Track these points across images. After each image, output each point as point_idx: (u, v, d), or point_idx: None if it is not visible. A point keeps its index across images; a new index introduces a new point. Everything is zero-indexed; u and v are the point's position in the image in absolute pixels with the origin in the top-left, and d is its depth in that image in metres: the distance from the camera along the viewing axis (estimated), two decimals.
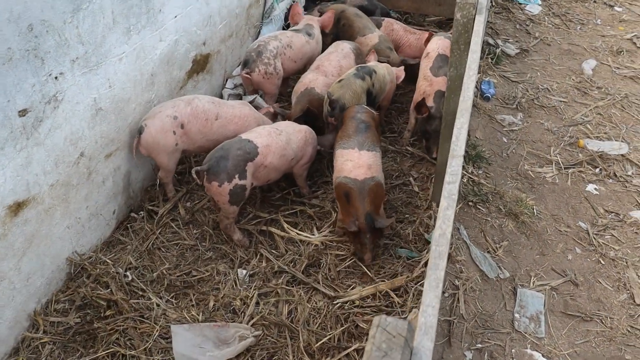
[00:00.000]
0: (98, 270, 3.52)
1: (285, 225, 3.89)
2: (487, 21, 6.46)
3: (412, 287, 3.43)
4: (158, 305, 3.40)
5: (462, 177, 4.34)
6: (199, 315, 3.35)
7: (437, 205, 3.22)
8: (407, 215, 4.01)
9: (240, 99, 4.92)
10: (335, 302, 3.39)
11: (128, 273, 3.56)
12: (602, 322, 3.45)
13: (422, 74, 4.44)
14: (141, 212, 4.01)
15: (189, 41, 4.34)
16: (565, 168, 4.60)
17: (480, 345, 3.26)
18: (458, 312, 3.41)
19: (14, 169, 2.93)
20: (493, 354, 3.23)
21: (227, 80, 5.11)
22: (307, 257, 3.66)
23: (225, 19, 4.85)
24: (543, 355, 3.24)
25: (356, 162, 3.63)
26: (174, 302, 3.45)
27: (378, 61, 4.87)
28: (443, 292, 3.44)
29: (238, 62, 5.26)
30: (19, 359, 3.15)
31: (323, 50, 5.06)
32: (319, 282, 3.53)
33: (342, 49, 4.84)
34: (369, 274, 3.58)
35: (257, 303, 3.42)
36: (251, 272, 3.61)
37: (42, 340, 3.22)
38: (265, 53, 4.62)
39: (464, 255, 3.74)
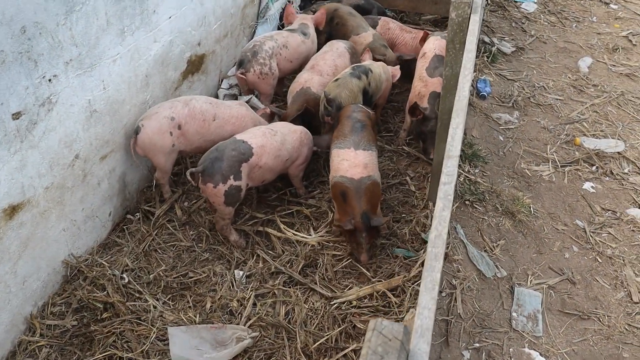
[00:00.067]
0: (94, 272, 3.51)
1: (282, 226, 3.88)
2: (483, 19, 6.46)
3: (409, 287, 3.43)
4: (155, 307, 3.39)
5: (459, 176, 4.33)
6: (196, 316, 3.34)
7: (434, 205, 3.22)
8: (403, 215, 4.01)
9: (236, 99, 4.91)
10: (332, 303, 3.38)
11: (124, 275, 3.55)
12: (600, 321, 3.44)
13: (418, 74, 4.43)
14: (137, 214, 4.00)
15: (184, 42, 4.32)
16: (561, 166, 4.59)
17: (477, 345, 3.26)
18: (455, 312, 3.40)
19: (8, 172, 2.92)
20: (491, 354, 3.22)
21: (222, 81, 5.09)
22: (304, 258, 3.66)
23: (220, 19, 4.83)
24: (541, 354, 3.23)
25: (352, 161, 3.62)
26: (171, 304, 3.44)
27: (373, 60, 4.86)
28: (440, 292, 3.44)
29: (233, 62, 5.25)
30: None
31: (318, 49, 5.05)
32: (316, 283, 3.52)
33: (336, 48, 4.83)
34: (367, 274, 3.57)
35: (254, 304, 3.42)
36: (248, 273, 3.60)
37: (38, 344, 3.20)
38: (261, 53, 4.61)
39: (461, 254, 3.73)
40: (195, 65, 4.58)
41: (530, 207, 4.17)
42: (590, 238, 3.97)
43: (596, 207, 4.24)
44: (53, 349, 3.20)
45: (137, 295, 3.45)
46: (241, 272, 3.60)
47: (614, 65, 5.97)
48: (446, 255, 3.69)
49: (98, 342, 3.22)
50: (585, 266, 3.78)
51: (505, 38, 6.38)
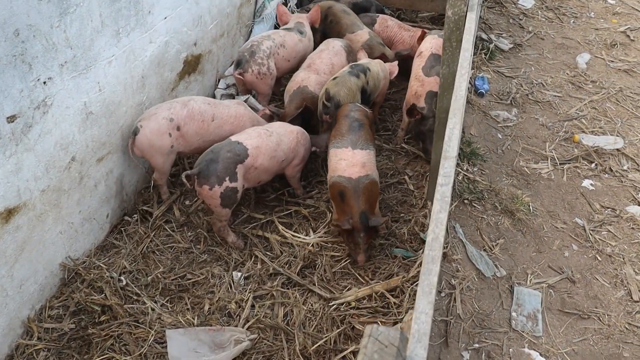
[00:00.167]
0: (92, 275, 3.49)
1: (280, 227, 3.87)
2: (480, 16, 6.43)
3: (408, 287, 3.41)
4: (153, 309, 3.38)
5: (457, 175, 4.32)
6: (194, 319, 3.32)
7: (433, 204, 3.19)
8: (402, 215, 3.99)
9: (233, 99, 4.89)
10: (331, 304, 3.37)
11: (122, 277, 3.54)
12: (600, 320, 3.43)
13: (414, 73, 4.41)
14: (135, 215, 3.98)
15: (180, 42, 4.30)
16: (560, 164, 4.57)
17: (477, 345, 3.24)
18: (455, 312, 3.39)
19: (3, 176, 2.90)
20: (490, 354, 3.21)
21: (219, 81, 5.07)
22: (302, 259, 3.64)
23: (216, 19, 4.81)
24: (541, 354, 3.22)
25: (350, 160, 3.61)
26: (169, 306, 3.43)
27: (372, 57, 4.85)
28: (439, 292, 3.43)
29: (230, 62, 5.23)
30: None
31: (314, 48, 5.03)
32: (314, 284, 3.50)
33: (333, 47, 4.81)
34: (365, 278, 3.55)
35: (253, 306, 3.40)
36: (246, 275, 3.59)
37: (36, 347, 3.19)
38: (259, 53, 4.58)
39: (460, 254, 3.72)
40: (191, 65, 4.56)
41: (529, 206, 4.15)
42: (590, 236, 3.95)
43: (595, 204, 4.22)
44: (51, 352, 3.18)
45: (135, 297, 3.44)
46: (239, 274, 3.58)
47: (612, 61, 5.95)
48: (445, 255, 3.67)
49: (96, 345, 3.21)
50: (585, 265, 3.77)
51: (503, 35, 6.35)
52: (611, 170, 4.52)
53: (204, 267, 3.64)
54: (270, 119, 4.40)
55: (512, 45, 6.14)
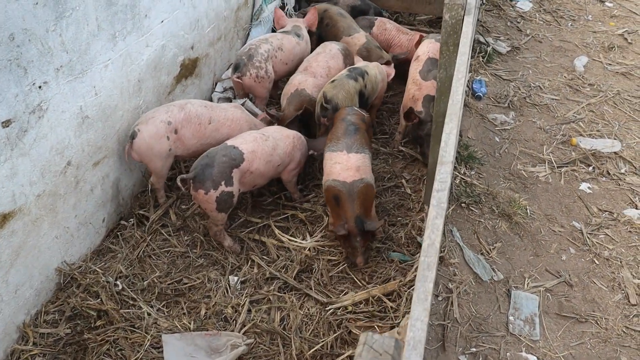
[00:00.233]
0: (88, 279, 3.48)
1: (277, 232, 3.85)
2: (478, 19, 6.43)
3: (405, 291, 3.40)
4: (149, 314, 3.36)
5: (455, 178, 4.31)
6: (190, 323, 3.31)
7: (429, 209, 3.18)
8: (399, 218, 3.98)
9: (230, 102, 4.88)
10: (327, 309, 3.36)
11: (118, 282, 3.52)
12: (597, 323, 3.42)
13: (411, 77, 4.40)
14: (131, 220, 3.97)
15: (177, 45, 4.29)
16: (558, 167, 4.57)
17: (474, 349, 3.23)
18: (452, 316, 3.38)
19: None
20: (488, 358, 3.20)
21: (216, 84, 5.07)
22: (299, 263, 3.63)
23: (213, 22, 4.81)
24: (538, 358, 3.21)
25: (345, 164, 3.60)
26: (165, 311, 3.41)
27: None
28: (437, 296, 3.42)
29: (227, 66, 5.22)
30: None
31: (311, 51, 5.03)
32: (311, 288, 3.49)
33: (330, 50, 4.81)
34: (362, 282, 3.54)
35: (249, 310, 3.39)
36: (242, 279, 3.58)
37: (32, 352, 3.17)
38: (257, 56, 4.58)
39: (457, 257, 3.71)
40: (188, 69, 4.56)
41: (526, 209, 4.14)
42: (587, 240, 3.95)
43: (593, 208, 4.22)
44: (46, 357, 3.17)
45: (131, 302, 3.43)
46: (236, 278, 3.57)
47: (609, 64, 5.95)
48: (442, 259, 3.66)
49: (92, 351, 3.19)
50: (583, 268, 3.76)
51: (501, 38, 6.35)
52: (608, 174, 4.52)
53: (200, 272, 3.63)
54: (270, 123, 4.39)
55: (509, 48, 6.14)
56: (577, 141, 4.83)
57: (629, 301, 3.55)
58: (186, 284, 3.55)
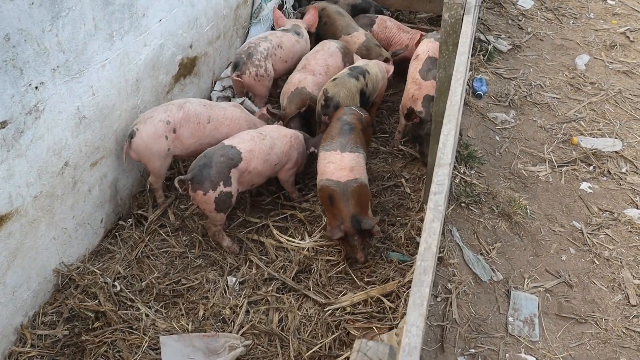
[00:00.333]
0: (86, 280, 3.47)
1: (275, 232, 3.84)
2: (479, 17, 6.40)
3: (404, 292, 3.38)
4: (147, 315, 3.35)
5: (455, 178, 4.29)
6: (188, 324, 3.30)
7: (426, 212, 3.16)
8: (398, 218, 3.96)
9: (229, 101, 4.87)
10: (326, 310, 3.34)
11: (116, 283, 3.51)
12: (597, 324, 3.40)
13: (411, 76, 4.37)
14: (129, 220, 3.95)
15: (175, 44, 4.27)
16: (558, 166, 4.55)
17: (473, 351, 3.22)
18: (451, 317, 3.36)
19: None
20: (487, 359, 3.18)
21: (215, 83, 5.05)
22: (298, 263, 3.62)
23: (212, 21, 4.78)
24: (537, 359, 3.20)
25: (338, 164, 3.58)
26: (163, 312, 3.40)
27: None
28: (436, 296, 3.40)
29: (226, 64, 5.20)
30: None
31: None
32: (309, 289, 3.48)
33: (328, 48, 4.79)
34: (360, 282, 3.53)
35: (247, 311, 3.37)
36: (241, 280, 3.56)
37: (29, 354, 3.16)
38: (256, 55, 4.56)
39: (456, 258, 3.69)
40: (187, 68, 4.54)
41: (526, 209, 4.12)
42: (588, 240, 3.92)
43: (593, 207, 4.19)
44: (44, 359, 3.16)
45: (129, 303, 3.41)
46: (234, 279, 3.56)
47: (611, 63, 5.92)
48: (441, 259, 3.65)
49: (89, 352, 3.18)
50: (583, 268, 3.74)
51: (502, 36, 6.32)
52: (609, 173, 4.50)
53: (198, 272, 3.61)
54: (268, 120, 4.37)
55: (510, 47, 6.10)
56: (577, 140, 4.80)
57: (629, 302, 3.53)
58: (184, 284, 3.54)
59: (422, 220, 3.91)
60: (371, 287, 3.46)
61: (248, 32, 5.53)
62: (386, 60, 4.90)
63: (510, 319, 3.40)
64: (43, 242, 3.31)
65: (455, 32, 3.21)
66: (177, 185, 3.46)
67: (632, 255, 3.82)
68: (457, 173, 4.33)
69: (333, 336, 3.20)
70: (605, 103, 5.31)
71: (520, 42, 6.22)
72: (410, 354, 1.48)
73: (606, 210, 4.18)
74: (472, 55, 5.79)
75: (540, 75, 5.70)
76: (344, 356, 3.10)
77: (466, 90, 5.22)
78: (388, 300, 3.38)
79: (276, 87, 5.10)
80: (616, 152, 4.70)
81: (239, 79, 4.55)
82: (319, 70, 4.61)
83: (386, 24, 5.61)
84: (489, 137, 4.83)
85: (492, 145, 4.75)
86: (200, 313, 3.37)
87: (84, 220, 3.64)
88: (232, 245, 3.74)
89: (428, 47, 4.49)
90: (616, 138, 4.85)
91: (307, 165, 4.21)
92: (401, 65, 5.08)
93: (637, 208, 4.17)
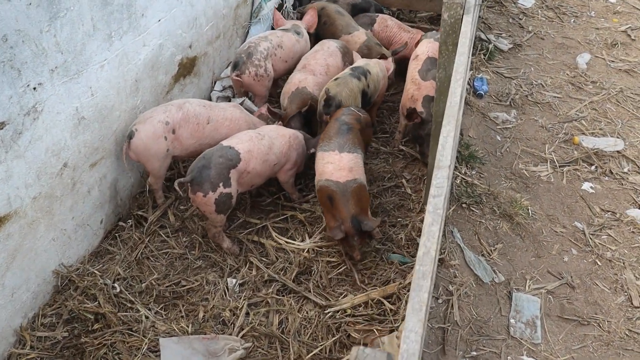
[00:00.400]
0: (85, 282, 3.45)
1: (274, 234, 3.82)
2: (479, 16, 6.37)
3: (405, 294, 3.36)
4: (147, 317, 3.34)
5: (455, 178, 4.27)
6: (188, 326, 3.28)
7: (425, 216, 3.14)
8: (399, 219, 3.94)
9: (229, 101, 4.85)
10: (326, 312, 3.33)
11: (116, 284, 3.49)
12: (600, 326, 3.38)
13: (410, 76, 4.35)
14: (129, 221, 3.94)
15: (174, 44, 4.25)
16: (560, 166, 4.52)
17: (475, 353, 3.20)
18: (452, 319, 3.34)
19: None
20: None
21: (215, 83, 5.03)
22: (298, 265, 3.60)
23: (211, 21, 4.76)
24: None
25: (337, 164, 3.56)
26: (163, 314, 3.38)
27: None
28: (437, 298, 3.38)
29: (226, 64, 5.18)
30: None
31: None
32: (310, 291, 3.46)
33: (328, 47, 4.77)
34: (361, 284, 3.51)
35: (247, 314, 3.36)
36: (241, 281, 3.54)
37: (29, 356, 3.15)
38: (256, 54, 4.54)
39: (457, 259, 3.67)
40: (186, 68, 4.52)
41: (528, 209, 4.10)
42: (590, 240, 3.90)
43: (595, 208, 4.17)
44: None
45: (129, 305, 3.40)
46: (234, 280, 3.54)
47: (612, 61, 5.89)
48: (442, 261, 3.63)
49: (89, 354, 3.17)
50: (585, 270, 3.72)
51: (503, 35, 6.29)
52: (611, 173, 4.47)
53: (198, 274, 3.60)
54: (268, 119, 4.36)
55: (511, 46, 6.08)
56: (579, 140, 4.78)
57: (631, 303, 3.51)
58: (184, 286, 3.53)
59: (423, 221, 3.88)
60: (372, 289, 3.44)
61: (248, 31, 5.51)
62: (383, 57, 4.87)
63: (512, 321, 3.38)
64: (42, 243, 3.30)
65: (455, 32, 3.19)
66: (177, 187, 3.44)
67: (634, 256, 3.80)
68: (458, 173, 4.31)
69: (333, 339, 3.18)
70: (607, 102, 5.28)
71: (521, 40, 6.19)
72: None
73: (608, 211, 4.15)
74: (473, 54, 5.76)
75: (542, 74, 5.68)
76: (344, 359, 3.08)
77: (467, 90, 5.20)
78: (389, 302, 3.36)
79: (276, 87, 5.08)
80: (618, 151, 4.68)
81: (239, 78, 4.53)
82: (319, 70, 4.59)
83: (387, 23, 5.59)
84: (490, 137, 4.81)
85: (493, 145, 4.73)
86: (200, 315, 3.35)
87: (84, 221, 3.62)
88: (232, 246, 3.72)
89: (427, 47, 4.46)
90: (618, 137, 4.83)
91: (308, 166, 4.18)
92: (402, 63, 5.06)
93: None
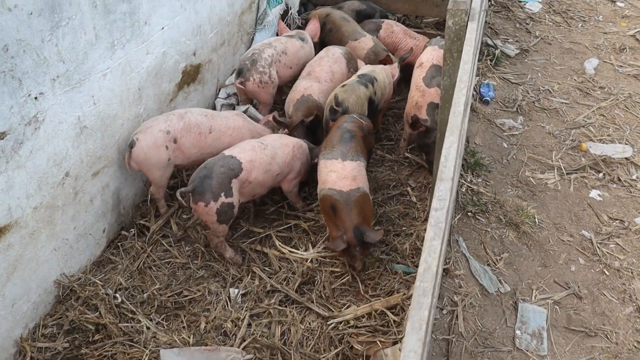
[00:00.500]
0: (87, 292, 3.43)
1: (278, 243, 3.78)
2: (486, 21, 6.33)
3: (409, 305, 3.31)
4: (148, 328, 3.31)
5: (461, 187, 4.22)
6: (189, 337, 3.25)
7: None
8: (404, 228, 3.90)
9: (234, 108, 4.83)
10: (329, 323, 3.28)
11: (117, 295, 3.47)
12: (607, 337, 3.32)
13: (415, 83, 4.31)
14: (132, 230, 3.91)
15: (178, 52, 4.24)
16: (567, 173, 4.46)
17: None
18: (457, 330, 3.30)
19: None
20: None
21: (219, 90, 5.01)
22: (301, 275, 3.56)
23: (216, 28, 4.75)
24: None
25: (340, 172, 3.52)
26: (165, 324, 3.35)
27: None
28: (441, 309, 3.34)
29: (231, 71, 5.16)
30: None
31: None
32: (312, 302, 3.42)
33: (332, 54, 4.74)
34: (365, 295, 3.46)
35: (249, 325, 3.32)
36: (243, 292, 3.51)
37: None
38: (260, 61, 4.52)
39: (462, 269, 3.62)
40: (190, 75, 4.50)
41: (534, 218, 4.05)
42: (597, 249, 3.84)
43: (603, 216, 4.11)
44: None
45: (130, 315, 3.37)
46: (236, 291, 3.51)
47: (621, 66, 5.83)
48: (447, 271, 3.58)
49: None
50: (592, 279, 3.66)
51: (509, 40, 6.25)
52: (619, 180, 4.41)
53: (201, 284, 3.57)
54: (274, 127, 4.33)
55: (518, 51, 6.03)
56: (587, 146, 4.72)
57: None
58: (186, 296, 3.50)
59: None
60: (375, 300, 3.40)
61: (253, 38, 5.49)
62: (387, 60, 4.83)
63: (517, 332, 3.33)
64: (43, 253, 3.28)
65: (460, 39, 3.15)
66: (178, 197, 3.42)
67: None
68: (463, 181, 4.27)
69: (336, 350, 3.14)
70: (615, 108, 5.22)
71: (528, 46, 6.14)
72: None
73: (616, 219, 4.09)
74: (479, 60, 5.72)
75: (549, 80, 5.62)
76: None
77: (473, 96, 5.16)
78: (392, 313, 3.31)
79: (281, 94, 5.05)
80: (626, 158, 4.62)
81: (243, 86, 4.51)
82: (324, 77, 4.57)
83: (392, 28, 5.56)
84: (496, 144, 4.76)
85: (499, 152, 4.68)
86: (202, 326, 3.32)
87: (86, 231, 3.60)
88: (235, 256, 3.69)
89: (432, 55, 4.43)
90: (626, 144, 4.77)
91: (310, 175, 4.15)
92: (407, 70, 5.02)
93: None
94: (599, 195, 4.29)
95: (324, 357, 3.10)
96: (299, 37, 4.95)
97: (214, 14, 4.69)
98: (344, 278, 3.57)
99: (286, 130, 4.30)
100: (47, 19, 2.95)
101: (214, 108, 4.89)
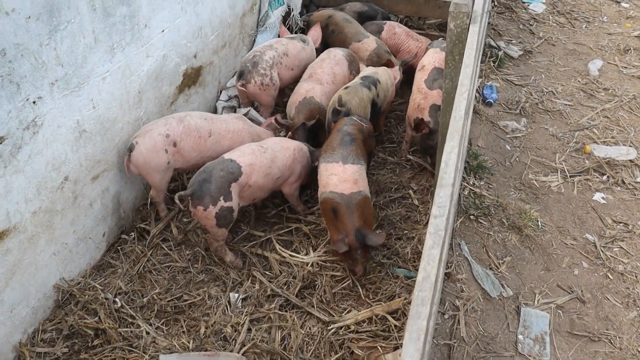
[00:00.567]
0: (87, 296, 3.41)
1: (278, 247, 3.76)
2: (489, 22, 6.29)
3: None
4: (148, 332, 3.29)
5: (463, 190, 4.19)
6: (189, 342, 3.23)
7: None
8: (405, 232, 3.87)
9: (235, 111, 4.81)
10: (329, 328, 3.26)
11: (117, 299, 3.45)
12: (611, 342, 3.29)
13: (417, 86, 4.28)
14: (132, 233, 3.90)
15: (179, 55, 4.22)
16: (571, 176, 4.43)
17: None
18: (458, 335, 3.27)
19: None
20: None
21: (221, 92, 4.99)
22: (302, 279, 3.53)
23: (217, 30, 4.72)
24: None
25: (341, 176, 3.50)
26: (164, 329, 3.33)
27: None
28: (443, 314, 3.31)
29: (232, 73, 5.14)
30: None
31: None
32: (313, 306, 3.39)
33: (334, 56, 4.72)
34: (366, 299, 3.43)
35: (249, 329, 3.29)
36: (243, 296, 3.49)
37: None
38: (261, 63, 4.50)
39: (464, 273, 3.59)
40: (191, 78, 4.48)
41: (537, 221, 4.01)
42: (601, 253, 3.81)
43: (607, 219, 4.07)
44: None
45: (130, 320, 3.35)
46: (237, 295, 3.48)
47: (625, 67, 5.79)
48: (449, 275, 3.55)
49: None
50: (596, 283, 3.62)
51: (513, 41, 6.21)
52: (624, 183, 4.37)
53: (201, 288, 3.55)
54: (276, 130, 4.31)
55: (521, 52, 5.99)
56: (590, 149, 4.68)
57: None
58: (186, 300, 3.47)
59: None
60: (376, 304, 3.37)
61: (254, 40, 5.47)
62: (389, 63, 4.80)
63: (520, 337, 3.30)
64: (43, 258, 3.27)
65: (462, 41, 3.12)
66: (177, 201, 3.40)
67: None
68: (466, 184, 4.23)
69: (336, 356, 3.11)
70: (619, 109, 5.18)
71: (531, 47, 6.10)
72: None
73: (620, 222, 4.05)
74: (482, 61, 5.69)
75: (552, 81, 5.58)
76: None
77: (476, 98, 5.13)
78: (393, 317, 3.28)
79: (282, 97, 5.03)
80: (631, 160, 4.58)
81: (244, 88, 4.49)
82: (326, 79, 4.55)
83: (395, 30, 5.53)
84: (499, 147, 4.72)
85: (502, 154, 4.64)
86: (202, 331, 3.30)
87: (85, 235, 3.59)
88: (235, 260, 3.67)
89: (434, 57, 4.40)
90: (630, 146, 4.72)
91: (311, 178, 4.13)
92: (408, 73, 5.00)
93: None
94: (602, 198, 4.25)
95: None
96: (300, 39, 4.93)
97: (215, 16, 4.67)
98: (345, 282, 3.54)
99: (289, 132, 4.28)
100: (46, 22, 2.93)
101: (215, 111, 4.87)
